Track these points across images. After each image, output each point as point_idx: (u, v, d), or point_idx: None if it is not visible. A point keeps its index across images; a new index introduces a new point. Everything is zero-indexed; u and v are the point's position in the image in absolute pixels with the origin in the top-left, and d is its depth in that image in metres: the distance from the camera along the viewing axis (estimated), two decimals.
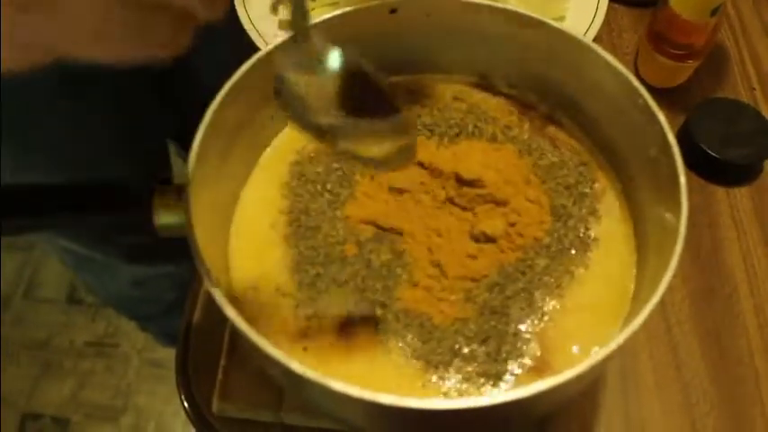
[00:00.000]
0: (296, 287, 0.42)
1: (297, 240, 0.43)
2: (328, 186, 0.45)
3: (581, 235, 0.43)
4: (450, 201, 0.44)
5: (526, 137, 0.48)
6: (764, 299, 0.54)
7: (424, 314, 0.40)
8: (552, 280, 0.42)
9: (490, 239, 0.42)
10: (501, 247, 0.42)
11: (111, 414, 1.31)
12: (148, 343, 1.36)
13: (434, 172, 0.45)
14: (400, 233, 0.43)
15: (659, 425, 0.48)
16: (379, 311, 0.40)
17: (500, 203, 0.43)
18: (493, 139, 0.47)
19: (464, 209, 0.44)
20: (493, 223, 0.42)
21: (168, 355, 1.34)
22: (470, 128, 0.48)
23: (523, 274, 0.42)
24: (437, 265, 0.42)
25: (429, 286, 0.41)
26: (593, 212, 0.45)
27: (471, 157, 0.45)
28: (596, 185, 0.46)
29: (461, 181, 0.44)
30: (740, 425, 0.48)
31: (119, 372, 1.35)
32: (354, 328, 0.40)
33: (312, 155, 0.47)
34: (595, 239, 0.43)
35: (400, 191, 0.44)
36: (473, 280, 0.41)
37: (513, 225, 0.43)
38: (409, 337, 0.39)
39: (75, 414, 1.30)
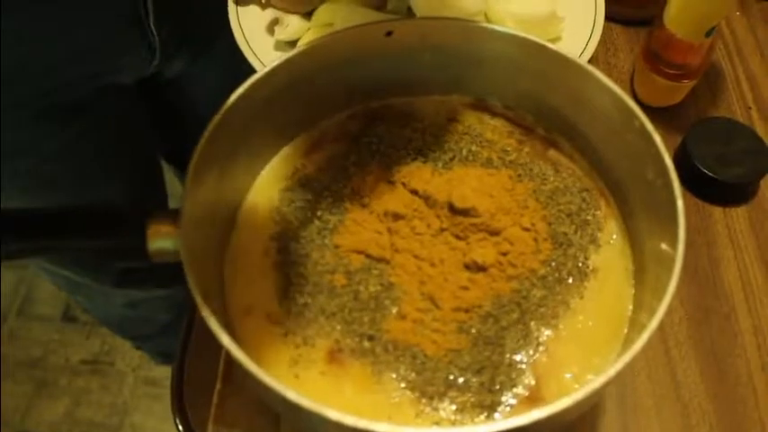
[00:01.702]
0: (284, 316, 0.41)
1: (287, 268, 0.43)
2: (318, 213, 0.45)
3: (580, 264, 0.43)
4: (445, 230, 0.44)
5: (528, 160, 0.47)
6: (762, 318, 0.53)
7: (416, 346, 0.40)
8: (548, 311, 0.41)
9: (482, 269, 0.42)
10: (494, 277, 0.42)
11: None
12: (144, 361, 1.35)
13: (429, 201, 0.45)
14: (390, 263, 0.43)
15: None
16: (367, 344, 0.40)
17: (493, 233, 0.43)
18: (488, 163, 0.47)
19: (458, 238, 0.43)
20: (484, 252, 0.42)
21: (164, 373, 1.34)
22: (464, 152, 0.48)
23: (518, 305, 0.41)
24: (429, 297, 0.41)
25: (419, 318, 0.40)
26: (594, 241, 0.44)
27: (465, 184, 0.45)
28: (598, 213, 0.45)
29: (455, 210, 0.44)
30: None
31: (114, 390, 1.34)
32: (345, 359, 0.39)
33: (303, 181, 0.47)
34: (594, 269, 0.43)
35: (395, 217, 0.44)
36: (466, 311, 0.41)
37: (505, 254, 0.42)
38: (402, 368, 0.39)
39: None
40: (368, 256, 0.43)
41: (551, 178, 0.46)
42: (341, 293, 0.42)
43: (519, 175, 0.46)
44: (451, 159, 0.47)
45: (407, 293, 0.41)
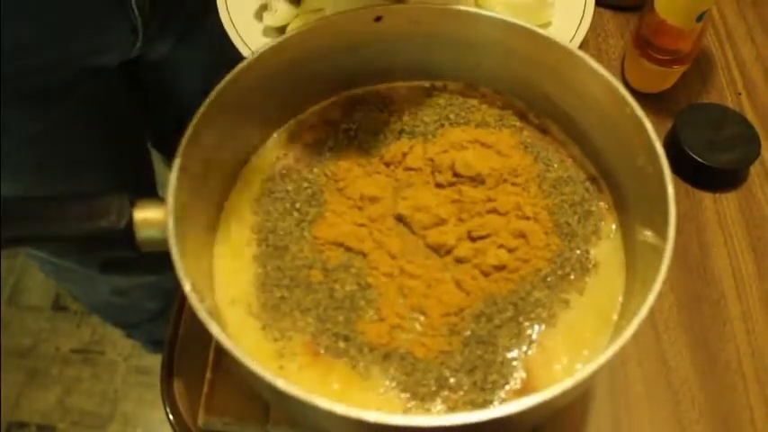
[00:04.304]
0: (261, 308, 0.41)
1: (265, 260, 0.42)
2: (297, 205, 0.44)
3: (583, 260, 0.42)
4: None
5: (530, 141, 0.47)
6: (752, 304, 0.54)
7: (398, 349, 0.39)
8: (545, 311, 0.40)
9: (498, 269, 0.41)
10: (495, 279, 0.41)
11: (98, 421, 1.30)
12: (135, 349, 1.35)
13: (433, 170, 0.44)
14: (367, 257, 0.42)
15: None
16: (342, 344, 0.39)
17: (498, 212, 0.42)
18: (484, 125, 0.46)
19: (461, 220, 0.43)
20: (496, 253, 0.41)
21: (155, 361, 1.33)
22: (452, 116, 0.47)
23: (515, 305, 0.40)
24: (417, 308, 0.40)
25: (396, 324, 0.39)
26: (596, 232, 0.43)
27: (467, 149, 0.44)
28: (602, 204, 0.44)
29: (458, 175, 0.43)
30: (729, 431, 0.48)
31: (105, 379, 1.34)
32: (326, 356, 0.39)
33: (283, 171, 0.46)
34: (595, 264, 0.42)
35: (372, 199, 0.44)
36: (456, 314, 0.40)
37: (511, 251, 0.41)
38: (391, 369, 0.38)
39: (61, 422, 1.29)
40: (347, 248, 0.42)
41: (555, 165, 0.46)
42: (317, 290, 0.41)
43: (525, 147, 0.46)
44: (441, 126, 0.47)
45: (383, 295, 0.40)
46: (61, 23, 0.58)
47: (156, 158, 0.90)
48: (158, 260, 0.36)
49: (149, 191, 0.86)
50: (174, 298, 0.52)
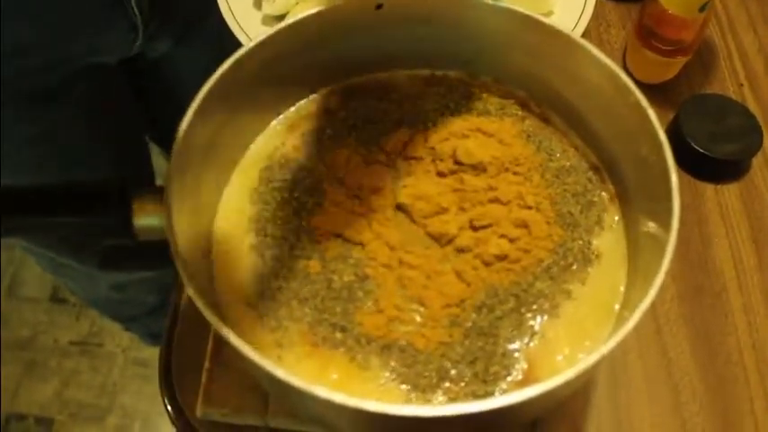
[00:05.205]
0: (258, 298, 0.40)
1: (263, 250, 0.42)
2: (295, 194, 0.44)
3: (585, 250, 0.42)
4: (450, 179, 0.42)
5: (532, 130, 0.46)
6: (753, 296, 0.53)
7: (398, 340, 0.38)
8: (547, 302, 0.40)
9: (499, 258, 0.41)
10: (496, 269, 0.41)
11: (97, 413, 1.30)
12: (133, 342, 1.35)
13: (433, 151, 0.44)
14: (365, 248, 0.41)
15: (649, 424, 0.48)
16: (339, 335, 0.39)
17: (500, 201, 0.42)
18: (486, 113, 0.46)
19: (462, 209, 0.42)
20: (497, 243, 0.41)
21: (154, 353, 1.33)
22: (452, 105, 0.46)
23: (516, 296, 0.40)
24: (417, 299, 0.40)
25: (394, 316, 0.39)
26: (599, 222, 0.43)
27: (468, 139, 0.43)
28: (604, 194, 0.44)
29: (460, 163, 0.42)
30: (729, 423, 0.48)
31: (103, 371, 1.34)
32: (324, 346, 0.39)
33: (282, 161, 0.45)
34: (598, 255, 0.42)
35: (371, 189, 0.43)
36: (458, 305, 0.39)
37: (513, 241, 0.41)
38: (392, 361, 0.38)
39: (59, 414, 1.29)
40: (345, 239, 0.42)
41: (558, 154, 0.45)
42: (314, 280, 0.41)
43: (528, 136, 0.45)
44: (442, 114, 0.46)
45: (381, 286, 0.40)
46: (61, 23, 0.58)
47: (155, 151, 0.90)
48: (157, 255, 0.36)
49: (147, 184, 0.86)
50: (173, 292, 0.52)
